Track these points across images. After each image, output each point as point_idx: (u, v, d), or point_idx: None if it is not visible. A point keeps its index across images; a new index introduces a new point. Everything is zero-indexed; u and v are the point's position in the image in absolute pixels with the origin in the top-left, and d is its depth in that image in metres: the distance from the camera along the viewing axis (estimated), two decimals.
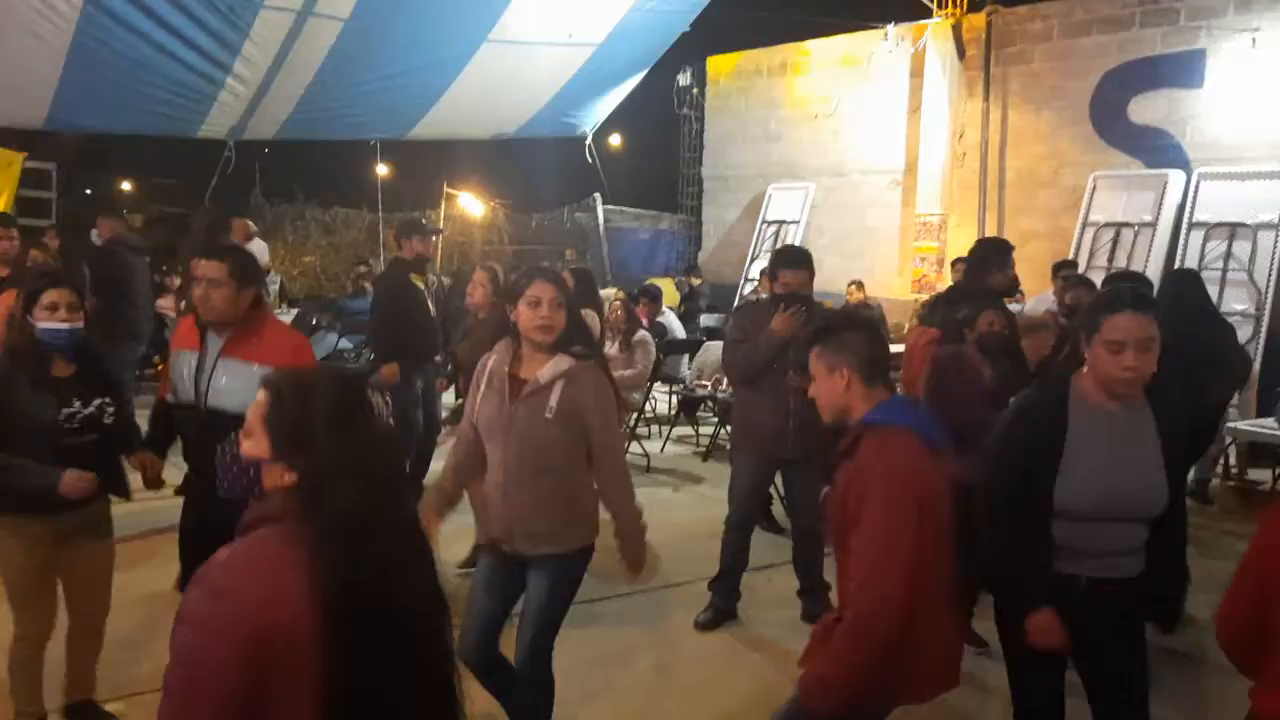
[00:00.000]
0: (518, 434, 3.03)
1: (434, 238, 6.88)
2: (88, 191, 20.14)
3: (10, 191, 11.27)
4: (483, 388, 3.13)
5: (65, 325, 3.24)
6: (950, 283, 11.37)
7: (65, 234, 9.44)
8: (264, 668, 1.55)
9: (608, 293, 11.11)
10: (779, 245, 13.53)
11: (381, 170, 15.83)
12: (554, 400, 3.02)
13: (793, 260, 4.70)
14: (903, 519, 2.31)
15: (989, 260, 5.16)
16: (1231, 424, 6.84)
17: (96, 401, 3.31)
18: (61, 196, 13.34)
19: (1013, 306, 5.69)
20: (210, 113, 11.23)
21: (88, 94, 10.25)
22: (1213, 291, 9.67)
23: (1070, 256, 10.72)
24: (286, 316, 10.26)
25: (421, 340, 6.10)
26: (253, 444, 1.71)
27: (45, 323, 3.22)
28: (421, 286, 6.15)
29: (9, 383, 3.19)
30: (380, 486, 1.70)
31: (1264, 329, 9.31)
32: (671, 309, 11.00)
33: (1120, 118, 11.10)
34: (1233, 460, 8.00)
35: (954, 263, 8.96)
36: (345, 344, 10.52)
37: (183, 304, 8.92)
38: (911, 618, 2.30)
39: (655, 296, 10.06)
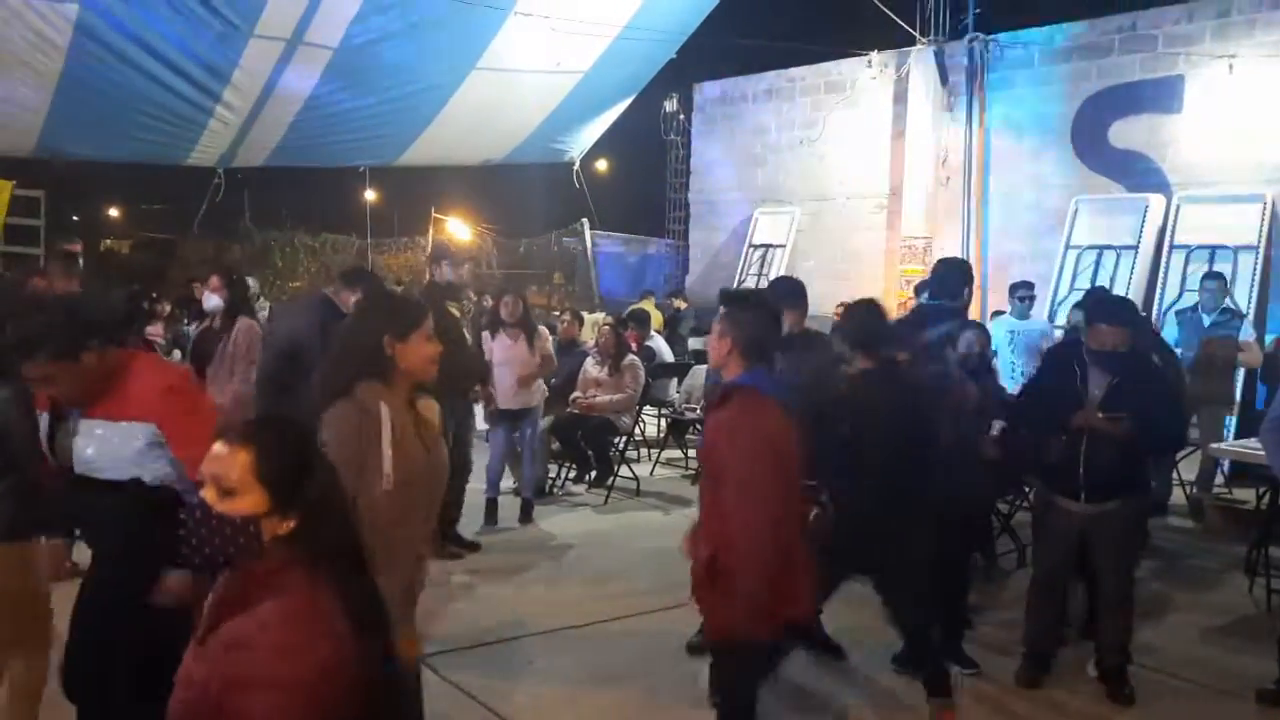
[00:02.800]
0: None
1: (465, 266, 6.79)
2: (74, 218, 20.12)
3: None
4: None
5: None
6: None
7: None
8: (332, 709, 1.64)
9: (596, 317, 11.16)
10: (766, 269, 13.64)
11: (370, 196, 15.91)
12: None
13: (789, 298, 4.50)
14: (761, 463, 2.81)
15: (957, 282, 5.20)
16: (1215, 445, 6.90)
17: None
18: (49, 224, 13.32)
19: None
20: (200, 140, 11.30)
21: (77, 122, 10.30)
22: None
23: (1053, 279, 10.86)
24: None
25: (459, 368, 5.91)
26: (244, 501, 1.67)
27: None
28: (458, 314, 6.01)
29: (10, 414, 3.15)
30: (349, 512, 1.82)
31: None
32: (658, 332, 11.05)
33: (1101, 142, 11.25)
34: (1219, 480, 8.07)
35: (917, 287, 9.02)
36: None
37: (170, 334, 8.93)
38: (773, 543, 2.80)
39: (643, 321, 10.12)
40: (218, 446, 1.71)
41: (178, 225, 18.03)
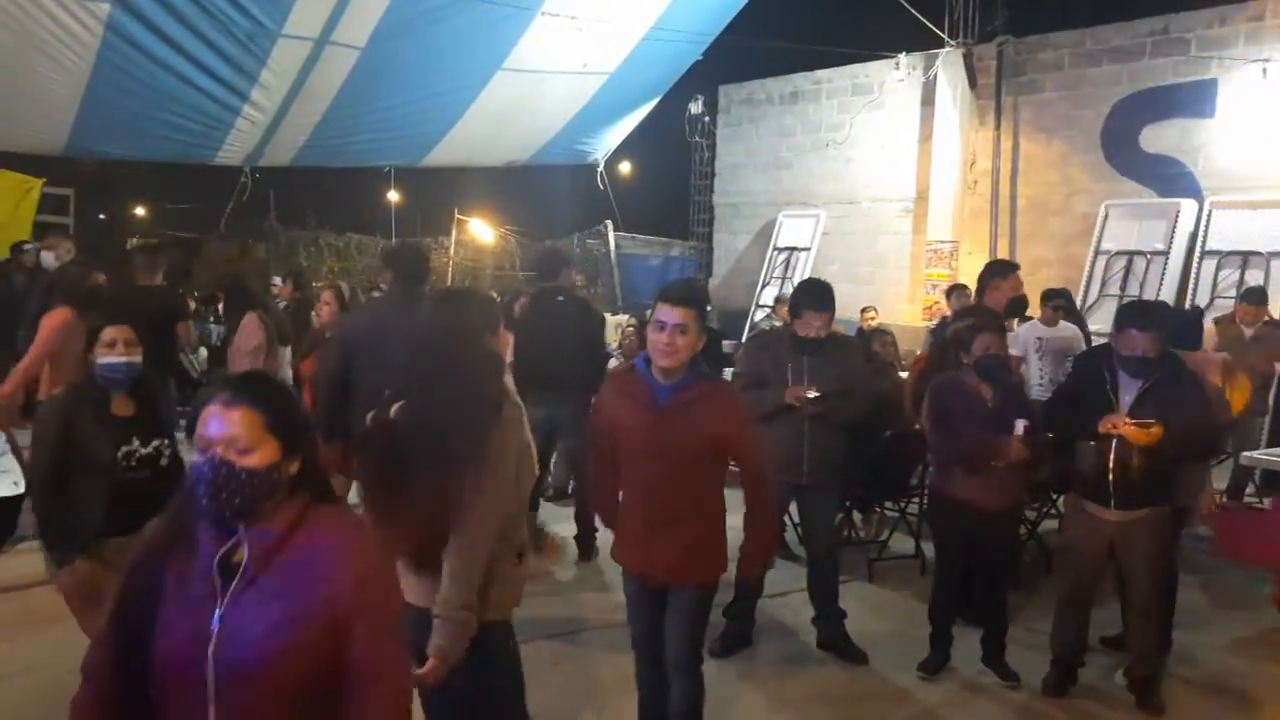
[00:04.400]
0: None
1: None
2: (101, 216, 20.32)
3: (29, 216, 11.39)
4: None
5: (123, 359, 3.29)
6: (949, 311, 11.40)
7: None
8: None
9: (619, 319, 11.15)
10: (790, 273, 13.58)
11: (394, 197, 15.95)
12: None
13: (817, 300, 4.52)
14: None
15: (983, 279, 5.22)
16: (1248, 453, 6.80)
17: (154, 443, 3.35)
18: (78, 221, 13.47)
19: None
20: (227, 139, 11.37)
21: (107, 121, 10.38)
22: None
23: (1082, 284, 10.74)
24: None
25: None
26: (262, 455, 1.83)
27: (104, 359, 3.28)
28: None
29: (69, 418, 3.25)
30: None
31: None
32: None
33: (1132, 146, 11.14)
34: (1251, 489, 7.95)
35: (948, 290, 8.98)
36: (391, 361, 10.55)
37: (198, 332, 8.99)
38: None
39: None
40: (224, 411, 1.83)
41: (204, 224, 18.17)
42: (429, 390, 2.62)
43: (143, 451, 3.32)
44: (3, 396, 5.09)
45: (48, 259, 7.43)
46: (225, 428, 1.82)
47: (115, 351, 3.29)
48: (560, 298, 5.88)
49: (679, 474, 3.17)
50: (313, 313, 7.21)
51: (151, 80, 9.83)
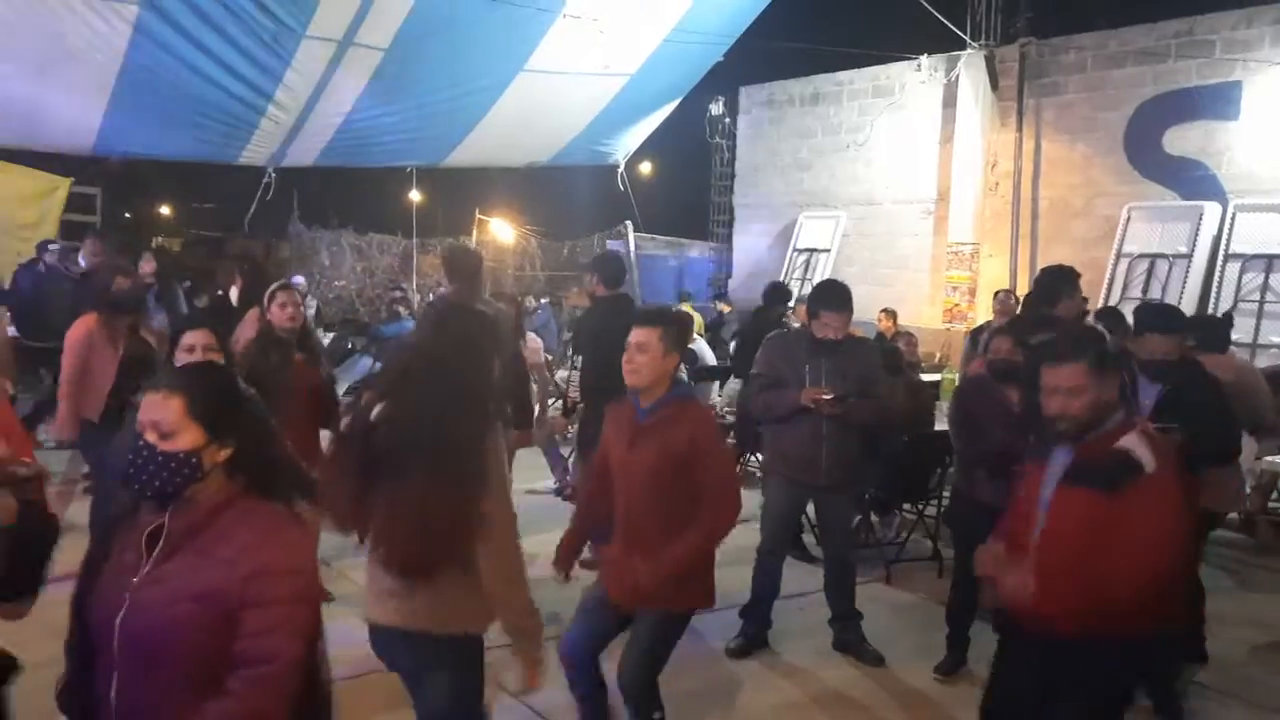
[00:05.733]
0: None
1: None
2: (127, 215, 20.53)
3: (57, 216, 11.52)
4: None
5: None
6: (982, 314, 11.36)
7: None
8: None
9: None
10: (810, 274, 13.57)
11: (415, 197, 16.04)
12: None
13: (835, 301, 4.55)
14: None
15: (1056, 288, 5.06)
16: (1271, 458, 6.76)
17: None
18: (105, 220, 13.61)
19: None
20: (251, 140, 11.45)
21: (134, 121, 10.48)
22: (1250, 324, 9.63)
23: (1104, 288, 10.68)
24: (324, 339, 10.38)
25: None
26: (183, 439, 1.93)
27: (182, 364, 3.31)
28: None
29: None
30: (279, 438, 2.13)
31: None
32: (700, 335, 11.03)
33: (1155, 149, 11.06)
34: (1274, 495, 7.89)
35: (996, 294, 8.92)
36: (380, 367, 10.64)
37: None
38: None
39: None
40: (152, 396, 1.96)
41: (227, 224, 18.34)
42: (415, 393, 2.59)
43: None
44: (65, 432, 5.12)
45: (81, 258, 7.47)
46: (152, 413, 1.95)
47: (194, 356, 3.30)
48: (629, 306, 5.91)
49: (653, 495, 3.17)
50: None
51: (178, 81, 9.92)
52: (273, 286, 4.82)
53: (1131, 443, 2.74)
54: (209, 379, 2.09)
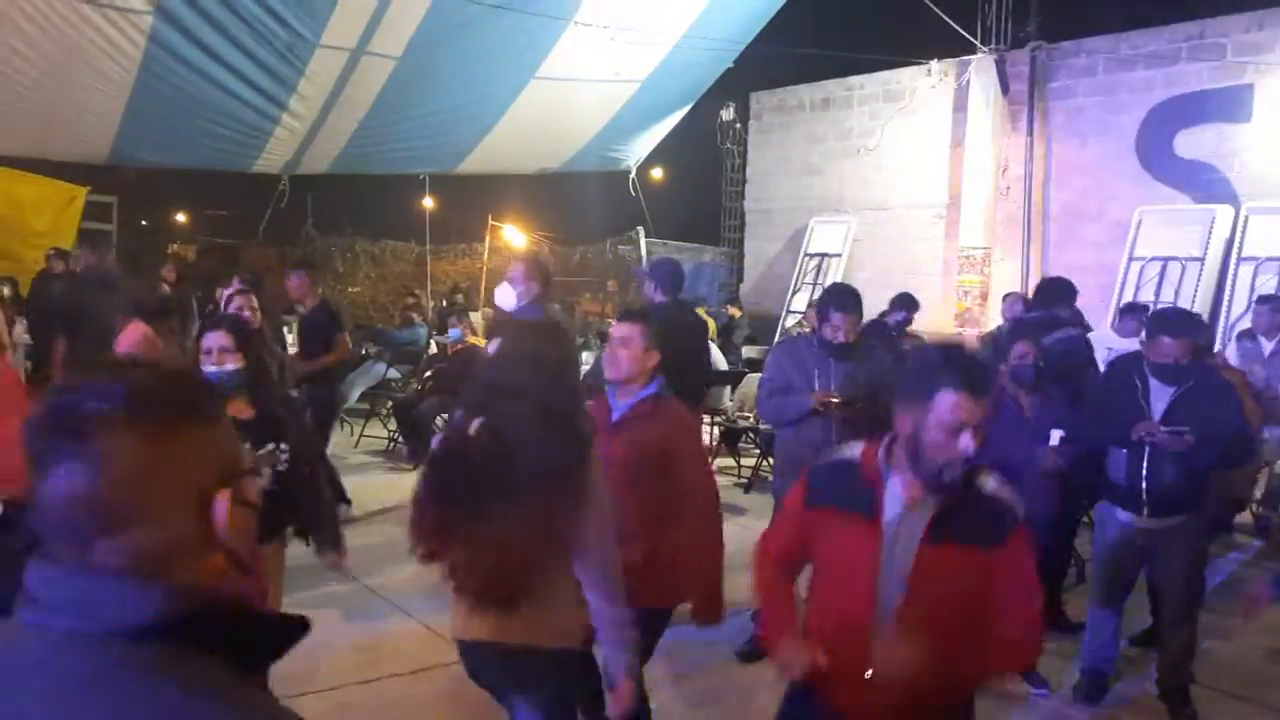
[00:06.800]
0: None
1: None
2: (143, 223, 20.67)
3: (74, 224, 11.63)
4: None
5: (214, 368, 3.30)
6: (995, 318, 11.35)
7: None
8: None
9: None
10: (821, 278, 13.58)
11: (428, 203, 16.10)
12: None
13: (844, 303, 4.60)
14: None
15: (1055, 295, 5.14)
16: None
17: (269, 446, 3.30)
18: (121, 229, 13.73)
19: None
20: (266, 148, 11.53)
21: (150, 130, 10.57)
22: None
23: (1116, 291, 10.67)
24: None
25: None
26: None
27: (203, 368, 3.33)
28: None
29: None
30: None
31: None
32: (712, 340, 11.06)
33: (1167, 152, 11.04)
34: None
35: (1005, 296, 8.95)
36: (394, 374, 10.70)
37: None
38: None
39: None
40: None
41: (242, 231, 18.44)
42: (513, 411, 2.50)
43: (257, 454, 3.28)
44: None
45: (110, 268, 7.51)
46: None
47: (211, 360, 3.33)
48: (688, 313, 5.92)
49: (627, 491, 3.11)
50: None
51: (193, 90, 10.00)
52: (229, 290, 4.89)
53: (997, 488, 2.35)
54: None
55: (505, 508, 2.42)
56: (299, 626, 1.10)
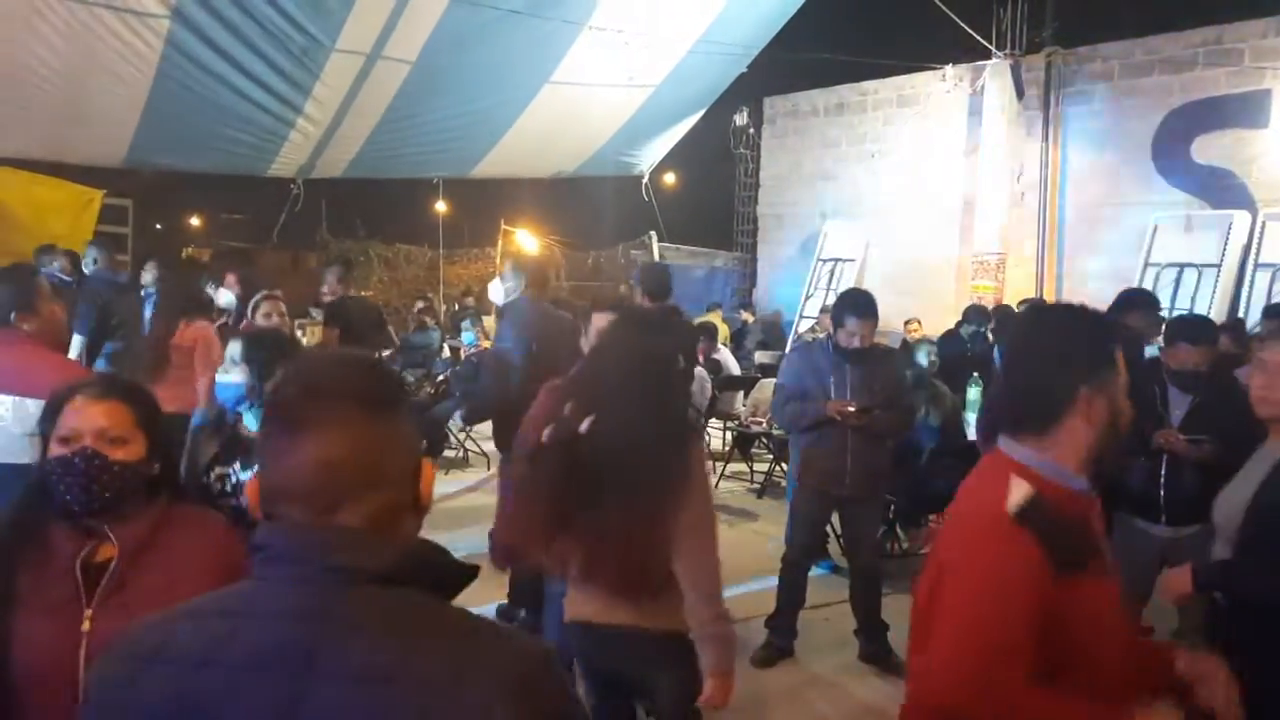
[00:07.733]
0: None
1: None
2: (159, 227, 20.77)
3: (90, 227, 11.69)
4: None
5: (230, 381, 3.21)
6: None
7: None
8: None
9: None
10: (834, 283, 13.56)
11: (441, 207, 16.14)
12: None
13: (860, 308, 4.58)
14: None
15: (1123, 306, 5.05)
16: None
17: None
18: (136, 232, 13.79)
19: None
20: (281, 151, 11.57)
21: (166, 133, 10.61)
22: None
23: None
24: None
25: None
26: (132, 449, 1.87)
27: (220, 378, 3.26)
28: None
29: (196, 441, 3.17)
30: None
31: None
32: (725, 345, 11.05)
33: (1183, 158, 10.99)
34: None
35: (1020, 303, 8.91)
36: (407, 377, 10.71)
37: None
38: None
39: (711, 334, 10.13)
40: (90, 404, 1.86)
41: (256, 235, 18.51)
42: (627, 407, 2.54)
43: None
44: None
45: (146, 278, 7.46)
46: (96, 420, 1.84)
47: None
48: (677, 317, 5.88)
49: None
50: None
51: (209, 94, 10.04)
52: (257, 296, 4.87)
53: None
54: (143, 391, 2.00)
55: (626, 500, 2.48)
56: (473, 571, 1.23)
